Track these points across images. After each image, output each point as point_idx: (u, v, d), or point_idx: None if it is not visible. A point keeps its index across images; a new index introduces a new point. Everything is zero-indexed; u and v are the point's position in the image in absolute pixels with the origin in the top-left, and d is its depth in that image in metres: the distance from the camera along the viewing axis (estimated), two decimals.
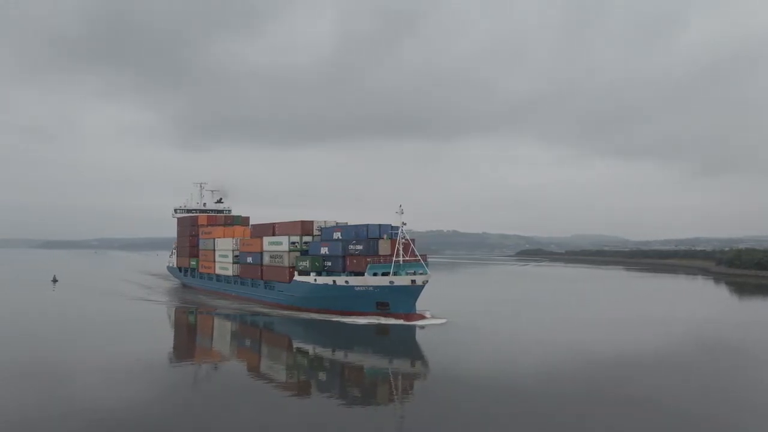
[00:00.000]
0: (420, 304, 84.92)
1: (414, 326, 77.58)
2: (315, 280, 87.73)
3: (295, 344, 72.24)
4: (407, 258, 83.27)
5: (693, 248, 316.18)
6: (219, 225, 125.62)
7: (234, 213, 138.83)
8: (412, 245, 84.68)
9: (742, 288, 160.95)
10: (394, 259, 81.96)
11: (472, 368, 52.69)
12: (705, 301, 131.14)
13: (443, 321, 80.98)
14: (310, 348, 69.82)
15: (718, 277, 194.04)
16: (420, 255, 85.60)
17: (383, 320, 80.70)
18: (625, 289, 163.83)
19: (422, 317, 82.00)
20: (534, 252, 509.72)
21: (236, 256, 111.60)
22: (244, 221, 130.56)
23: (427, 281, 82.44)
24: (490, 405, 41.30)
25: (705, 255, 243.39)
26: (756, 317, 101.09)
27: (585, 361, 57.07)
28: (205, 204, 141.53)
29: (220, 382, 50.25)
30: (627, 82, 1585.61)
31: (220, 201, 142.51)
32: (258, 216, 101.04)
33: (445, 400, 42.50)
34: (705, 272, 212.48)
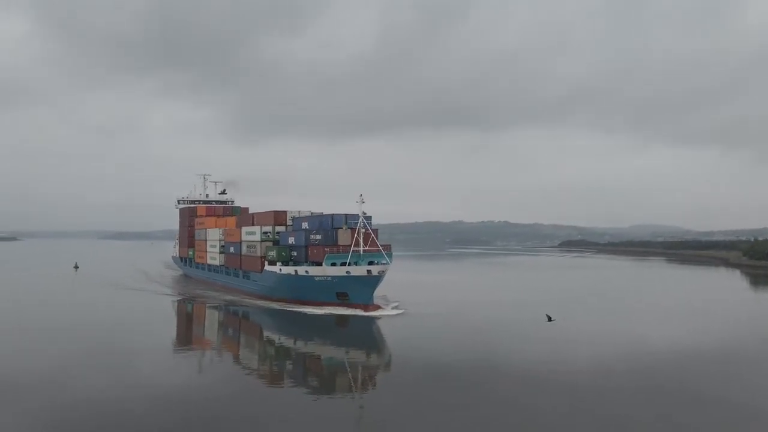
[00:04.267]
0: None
1: (372, 317, 77.16)
2: (280, 270, 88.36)
3: (265, 334, 73.68)
4: (367, 248, 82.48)
5: (756, 239, 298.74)
6: (213, 216, 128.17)
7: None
8: (373, 235, 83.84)
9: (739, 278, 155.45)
10: (352, 248, 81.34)
11: (428, 357, 53.01)
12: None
13: (400, 312, 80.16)
14: (276, 338, 71.31)
15: (734, 269, 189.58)
16: (382, 245, 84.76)
17: (339, 310, 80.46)
18: (626, 278, 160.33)
19: (378, 308, 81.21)
20: (578, 243, 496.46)
21: (222, 246, 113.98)
22: (243, 212, 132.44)
23: (384, 271, 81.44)
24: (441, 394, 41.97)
25: (743, 246, 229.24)
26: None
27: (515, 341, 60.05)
28: (207, 195, 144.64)
29: (217, 372, 51.06)
30: (685, 65, 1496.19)
31: (223, 192, 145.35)
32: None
33: (401, 389, 43.15)
34: (726, 263, 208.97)
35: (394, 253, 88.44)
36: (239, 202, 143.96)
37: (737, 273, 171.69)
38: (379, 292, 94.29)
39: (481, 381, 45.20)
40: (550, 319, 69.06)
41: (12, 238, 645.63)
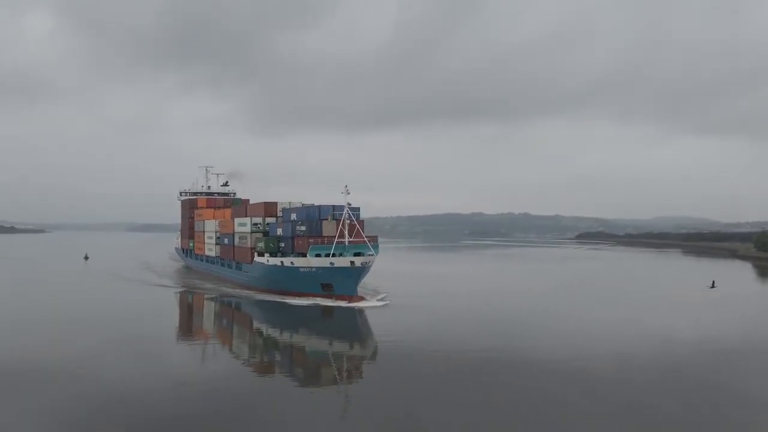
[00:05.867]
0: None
1: (356, 308, 77.08)
2: (268, 261, 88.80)
3: (255, 325, 74.39)
4: (352, 239, 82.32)
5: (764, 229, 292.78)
6: (212, 207, 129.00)
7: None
8: (358, 226, 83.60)
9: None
10: (336, 240, 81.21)
11: (411, 347, 53.59)
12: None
13: (385, 303, 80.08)
14: (264, 329, 71.70)
15: (742, 260, 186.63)
16: (369, 237, 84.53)
17: (323, 301, 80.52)
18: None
19: (362, 299, 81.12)
20: (596, 235, 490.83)
21: (218, 237, 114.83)
22: (243, 204, 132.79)
23: (368, 262, 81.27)
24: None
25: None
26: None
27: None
28: (209, 187, 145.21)
29: (216, 362, 51.96)
30: (711, 53, 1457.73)
31: (225, 184, 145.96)
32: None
33: (386, 379, 43.91)
34: (735, 255, 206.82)
35: (405, 245, 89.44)
36: (244, 194, 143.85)
37: (741, 264, 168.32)
38: (372, 283, 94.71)
39: (462, 372, 45.27)
40: (713, 286, 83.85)
41: (40, 231, 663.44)
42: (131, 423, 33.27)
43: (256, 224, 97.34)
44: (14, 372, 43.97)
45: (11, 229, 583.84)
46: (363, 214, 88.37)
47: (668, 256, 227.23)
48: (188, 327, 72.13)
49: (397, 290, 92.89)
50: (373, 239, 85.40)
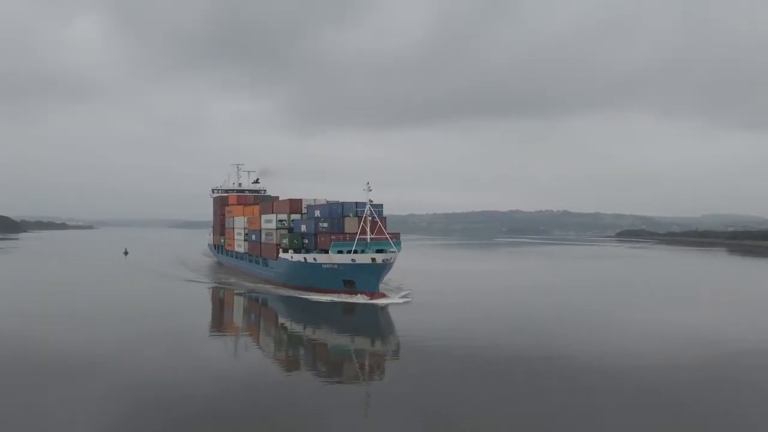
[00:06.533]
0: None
1: (377, 305, 77.00)
2: (291, 257, 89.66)
3: (280, 320, 75.14)
4: (374, 236, 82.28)
5: None
6: (242, 204, 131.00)
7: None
8: (380, 223, 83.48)
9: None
10: (358, 236, 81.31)
11: (438, 344, 53.58)
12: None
13: (407, 301, 79.82)
14: (289, 324, 72.39)
15: None
16: (391, 233, 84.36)
17: (344, 298, 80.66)
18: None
19: (384, 296, 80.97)
20: (637, 233, 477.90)
21: (246, 233, 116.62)
22: (270, 200, 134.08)
23: (389, 259, 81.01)
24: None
25: None
26: None
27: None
28: (240, 184, 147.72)
29: (247, 357, 53.14)
30: (754, 45, 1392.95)
31: (256, 181, 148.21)
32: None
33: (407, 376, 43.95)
34: None
35: (440, 242, 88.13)
36: (277, 191, 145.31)
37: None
38: (396, 280, 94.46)
39: (487, 369, 44.80)
40: None
41: (88, 227, 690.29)
42: (174, 416, 34.02)
43: (281, 221, 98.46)
44: (59, 362, 45.77)
45: (62, 226, 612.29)
46: (399, 211, 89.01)
47: (714, 255, 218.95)
48: (220, 321, 73.50)
49: (423, 288, 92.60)
50: (396, 236, 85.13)
